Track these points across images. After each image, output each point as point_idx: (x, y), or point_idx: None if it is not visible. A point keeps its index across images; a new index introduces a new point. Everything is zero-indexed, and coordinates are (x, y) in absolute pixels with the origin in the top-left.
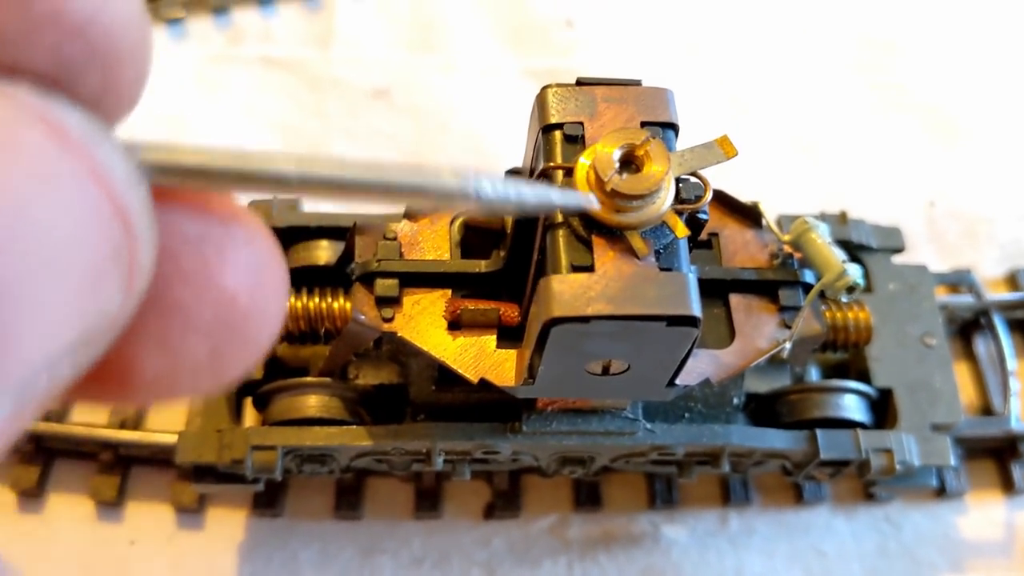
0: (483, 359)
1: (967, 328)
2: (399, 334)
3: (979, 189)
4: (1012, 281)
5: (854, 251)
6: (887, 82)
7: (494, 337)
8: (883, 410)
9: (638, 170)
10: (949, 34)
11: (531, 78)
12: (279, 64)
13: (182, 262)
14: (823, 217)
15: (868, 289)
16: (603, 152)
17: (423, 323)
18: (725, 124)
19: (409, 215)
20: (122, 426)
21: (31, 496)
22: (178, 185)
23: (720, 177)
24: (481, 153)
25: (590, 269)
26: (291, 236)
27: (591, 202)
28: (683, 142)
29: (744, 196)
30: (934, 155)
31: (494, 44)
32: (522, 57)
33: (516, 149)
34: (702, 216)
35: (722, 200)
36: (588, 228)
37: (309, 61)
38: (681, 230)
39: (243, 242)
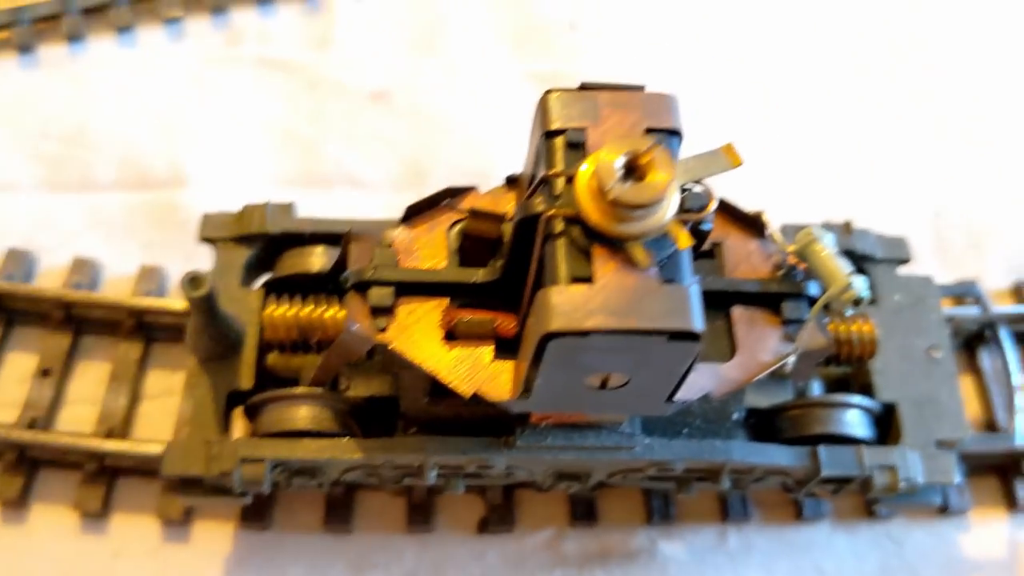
0: (478, 371)
1: (971, 341)
2: (392, 345)
3: (985, 200)
4: (1018, 293)
5: (858, 261)
6: (895, 92)
7: (491, 348)
8: (887, 425)
9: (641, 179)
10: (958, 46)
11: (534, 81)
12: (277, 65)
13: None
14: (827, 227)
15: (872, 300)
16: (605, 160)
17: (418, 333)
18: (729, 130)
19: (405, 221)
20: (109, 435)
21: (14, 507)
22: None
23: (725, 184)
24: (482, 158)
25: (589, 280)
26: (284, 242)
27: None
28: (686, 151)
29: (749, 203)
30: (940, 165)
31: (496, 46)
32: (525, 60)
33: (518, 153)
34: (706, 227)
35: (726, 209)
36: (588, 238)
37: (308, 63)
38: (684, 240)
39: None
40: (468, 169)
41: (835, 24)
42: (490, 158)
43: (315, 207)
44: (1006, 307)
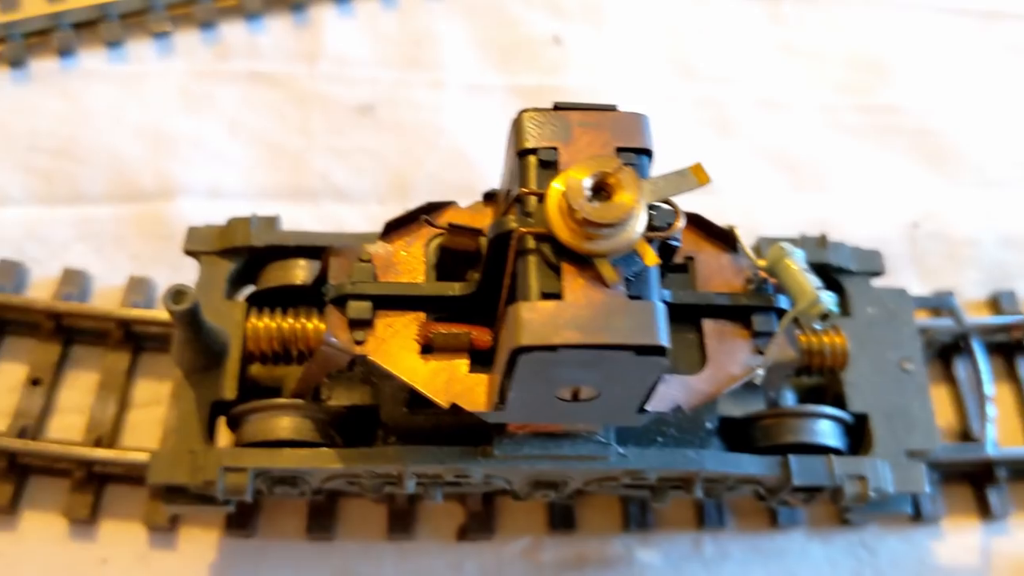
0: (454, 383)
1: (947, 351)
2: (370, 358)
3: (963, 212)
4: (994, 304)
5: (833, 274)
6: (874, 104)
7: (466, 361)
8: (858, 435)
9: (609, 198)
10: (937, 58)
11: (518, 95)
12: (265, 79)
13: None
14: (803, 240)
15: (846, 313)
16: (574, 179)
17: (395, 346)
18: (711, 143)
19: (385, 236)
20: (97, 443)
21: (4, 513)
22: None
23: (705, 196)
24: (466, 171)
25: (559, 297)
26: (269, 255)
27: None
28: (669, 160)
29: (730, 215)
30: (918, 177)
31: (482, 61)
32: (509, 74)
33: (501, 167)
34: (674, 243)
35: (698, 223)
36: (558, 255)
37: (296, 76)
38: (651, 258)
39: None
40: (453, 182)
41: (815, 38)
42: (475, 171)
43: (302, 219)
44: (979, 318)
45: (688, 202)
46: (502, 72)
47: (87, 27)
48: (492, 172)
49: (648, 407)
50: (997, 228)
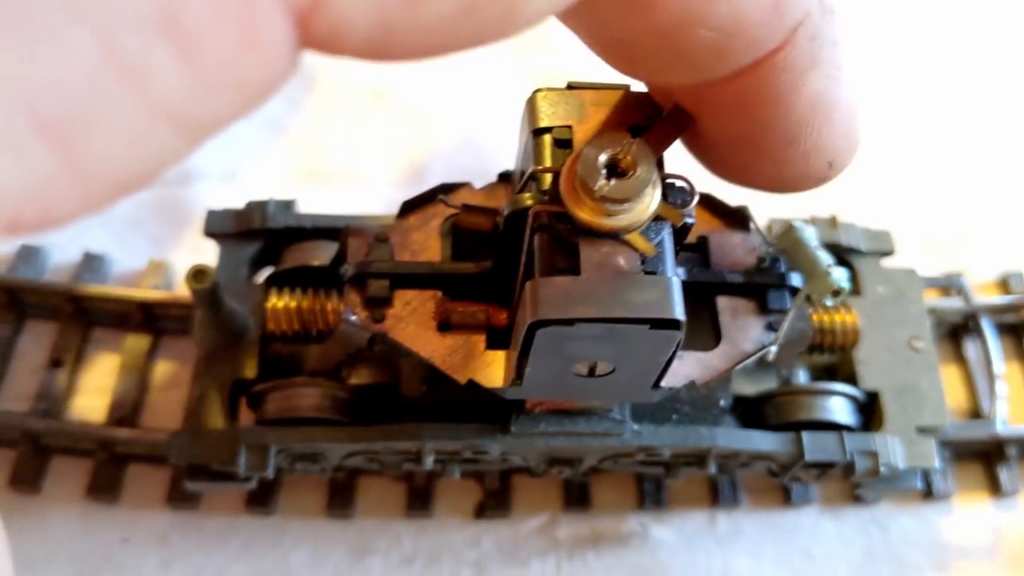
0: (472, 360)
1: (957, 331)
2: (389, 334)
3: (971, 191)
4: (1003, 284)
5: (843, 254)
6: (880, 80)
7: (483, 338)
8: (870, 412)
9: (623, 174)
10: (943, 32)
11: (530, 79)
12: None
13: None
14: (813, 221)
15: (856, 292)
16: (589, 156)
17: (413, 324)
18: None
19: (401, 216)
20: (119, 423)
21: (26, 493)
22: None
23: (714, 179)
24: (478, 155)
25: (575, 272)
26: (286, 237)
27: None
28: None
29: (736, 198)
30: (926, 156)
31: (493, 45)
32: (521, 58)
33: (513, 151)
34: (689, 220)
35: (710, 204)
36: (574, 231)
37: (310, 62)
38: (676, 217)
39: None
40: (465, 166)
41: None
42: (487, 155)
43: (317, 203)
44: (988, 298)
45: (696, 185)
46: (514, 57)
47: None
48: (503, 155)
49: (663, 383)
50: (1006, 208)
